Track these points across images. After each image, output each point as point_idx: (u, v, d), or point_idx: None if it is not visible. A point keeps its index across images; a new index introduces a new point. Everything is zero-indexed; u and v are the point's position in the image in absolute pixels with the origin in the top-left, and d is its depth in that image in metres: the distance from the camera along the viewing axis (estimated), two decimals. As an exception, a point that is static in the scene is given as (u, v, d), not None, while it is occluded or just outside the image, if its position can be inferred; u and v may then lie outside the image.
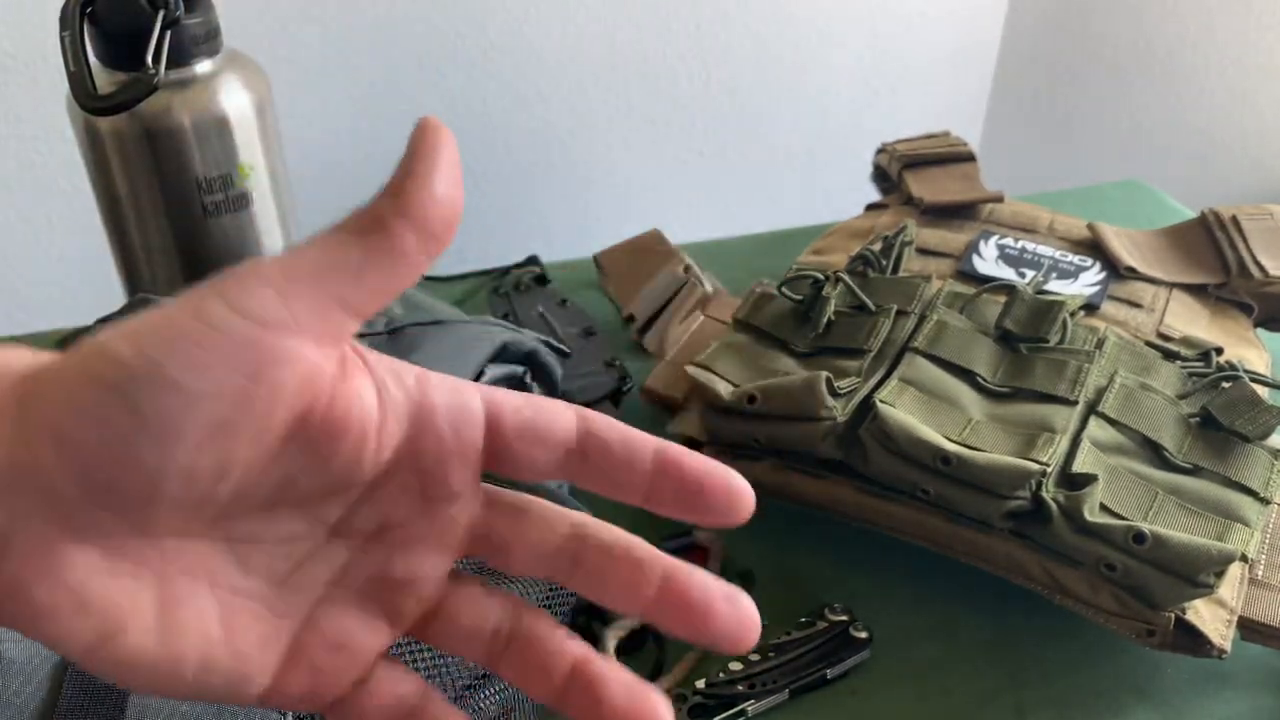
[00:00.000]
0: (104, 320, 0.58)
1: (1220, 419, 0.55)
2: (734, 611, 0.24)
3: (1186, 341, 0.62)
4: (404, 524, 0.25)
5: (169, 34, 0.56)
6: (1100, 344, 0.60)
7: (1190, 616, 0.49)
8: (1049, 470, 0.52)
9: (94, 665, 0.22)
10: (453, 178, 0.22)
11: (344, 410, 0.22)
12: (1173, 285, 0.69)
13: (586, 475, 0.25)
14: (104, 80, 0.57)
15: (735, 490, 0.24)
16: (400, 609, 0.25)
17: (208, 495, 0.22)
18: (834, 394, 0.55)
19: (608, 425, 0.25)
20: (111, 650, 0.22)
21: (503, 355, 0.60)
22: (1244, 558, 0.50)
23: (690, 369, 0.59)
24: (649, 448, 0.25)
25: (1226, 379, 0.58)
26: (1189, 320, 0.66)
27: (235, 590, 0.24)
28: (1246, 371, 0.58)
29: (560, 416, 0.25)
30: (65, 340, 0.66)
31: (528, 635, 0.25)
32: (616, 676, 0.25)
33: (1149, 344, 0.62)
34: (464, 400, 0.24)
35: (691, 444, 0.60)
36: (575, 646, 0.25)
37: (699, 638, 0.24)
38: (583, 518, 0.26)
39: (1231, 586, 0.51)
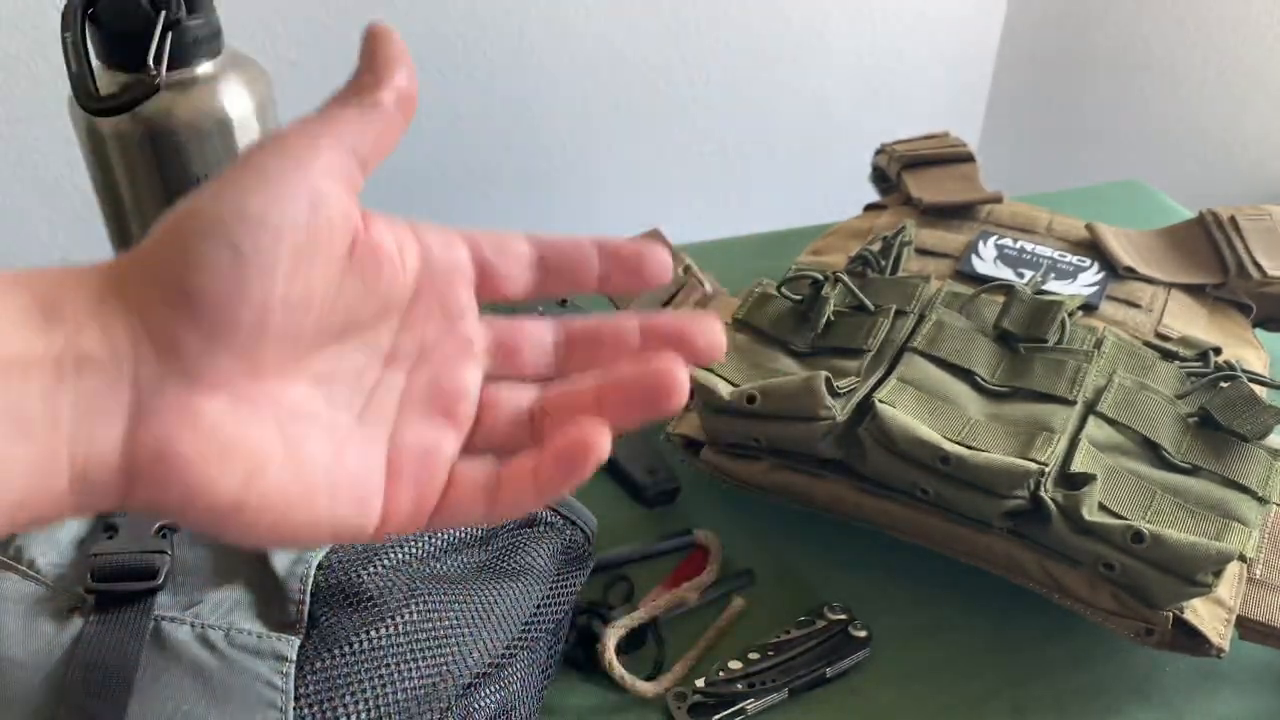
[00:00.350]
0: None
1: (1218, 418, 0.55)
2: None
3: (1185, 341, 0.63)
4: (436, 345, 0.29)
5: (170, 35, 0.56)
6: (1099, 344, 0.60)
7: (1189, 616, 0.49)
8: (1048, 470, 0.52)
9: (242, 516, 0.25)
10: (406, 55, 0.28)
11: (377, 239, 0.27)
12: (1171, 285, 0.69)
13: (550, 280, 0.30)
14: (106, 81, 0.57)
15: (650, 256, 0.30)
16: (458, 414, 0.29)
17: (299, 326, 0.25)
18: (833, 394, 0.55)
19: (551, 236, 0.31)
20: (258, 489, 0.25)
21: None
22: (1242, 557, 0.50)
23: (690, 369, 0.59)
24: (589, 242, 0.30)
25: (1225, 379, 0.58)
26: (1187, 320, 0.66)
27: (333, 425, 0.27)
28: (1245, 371, 0.58)
29: (517, 236, 0.30)
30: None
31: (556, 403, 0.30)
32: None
33: (1147, 344, 0.62)
34: (446, 231, 0.30)
35: (692, 444, 0.61)
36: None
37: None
38: (566, 323, 0.31)
39: (1230, 586, 0.51)
